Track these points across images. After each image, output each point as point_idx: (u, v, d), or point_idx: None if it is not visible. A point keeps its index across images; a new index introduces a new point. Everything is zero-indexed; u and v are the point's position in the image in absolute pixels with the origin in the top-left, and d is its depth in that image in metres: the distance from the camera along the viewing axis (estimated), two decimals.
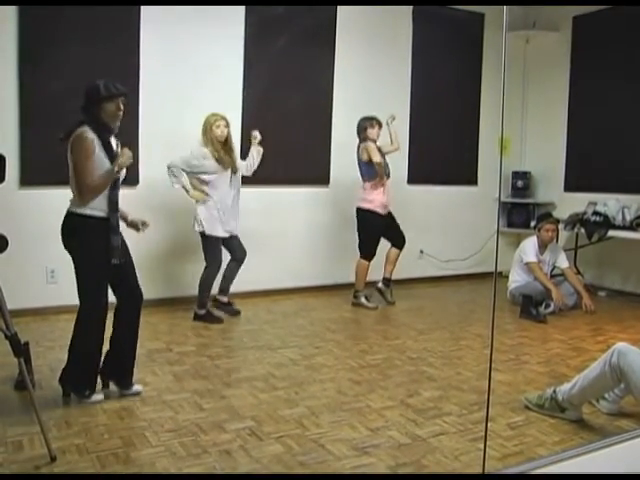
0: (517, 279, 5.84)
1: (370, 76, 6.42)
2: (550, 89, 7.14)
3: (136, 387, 3.47)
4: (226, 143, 4.93)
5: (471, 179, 7.20)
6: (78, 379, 3.32)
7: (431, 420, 3.21)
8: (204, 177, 4.88)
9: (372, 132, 5.53)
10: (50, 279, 5.11)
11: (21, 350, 2.69)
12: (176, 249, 5.53)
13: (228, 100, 5.68)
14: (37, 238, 5.01)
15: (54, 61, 4.89)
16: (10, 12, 4.76)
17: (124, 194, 5.23)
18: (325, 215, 6.31)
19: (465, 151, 7.12)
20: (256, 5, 5.68)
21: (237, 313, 5.25)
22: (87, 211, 3.21)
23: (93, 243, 3.22)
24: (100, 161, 3.17)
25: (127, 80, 5.17)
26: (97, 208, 3.23)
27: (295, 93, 5.98)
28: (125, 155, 3.24)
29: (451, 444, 2.93)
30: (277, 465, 2.69)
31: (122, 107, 3.22)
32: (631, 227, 6.04)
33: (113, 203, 3.26)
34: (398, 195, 5.96)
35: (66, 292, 5.09)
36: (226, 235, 4.99)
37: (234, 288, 5.35)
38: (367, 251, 5.63)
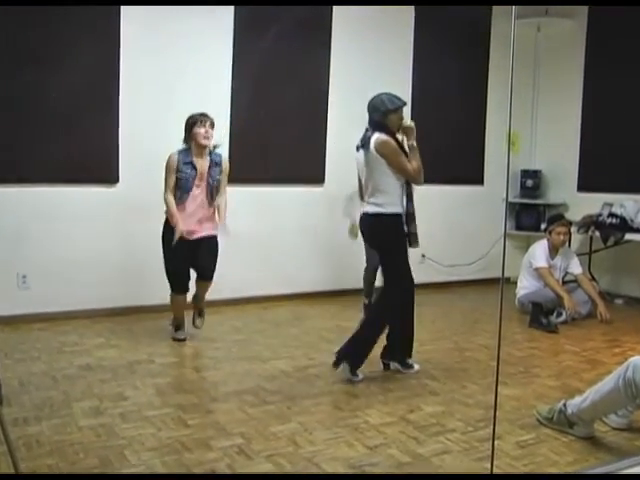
0: (526, 285, 5.85)
1: (369, 68, 6.43)
2: (563, 81, 7.16)
3: (416, 366, 4.17)
4: None
5: (477, 178, 7.22)
6: (356, 357, 4.00)
7: (434, 437, 3.20)
8: None
9: None
10: (22, 285, 5.09)
11: None
12: (157, 251, 5.49)
13: (216, 94, 5.68)
14: (8, 241, 4.99)
15: (24, 52, 4.88)
16: None
17: (101, 192, 5.31)
18: (320, 216, 6.30)
19: (470, 148, 7.14)
20: (249, 5, 5.69)
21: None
22: (388, 209, 3.95)
23: (397, 235, 4.01)
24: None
25: (105, 73, 5.22)
26: (394, 204, 3.96)
27: (288, 87, 5.99)
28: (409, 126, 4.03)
29: (455, 463, 2.93)
30: None
31: (403, 116, 4.02)
32: None
33: (407, 195, 4.00)
34: None
35: (39, 299, 5.13)
36: None
37: (220, 295, 5.35)
38: None
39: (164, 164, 4.52)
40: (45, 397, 3.56)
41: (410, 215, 4.01)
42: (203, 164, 4.58)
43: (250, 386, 3.86)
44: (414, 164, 3.93)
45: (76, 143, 5.13)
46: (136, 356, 4.37)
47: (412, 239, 4.03)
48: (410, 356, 4.21)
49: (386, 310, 4.09)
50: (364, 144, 4.01)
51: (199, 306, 4.91)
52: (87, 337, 4.78)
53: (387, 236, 4.04)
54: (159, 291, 5.45)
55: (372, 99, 4.04)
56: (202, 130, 4.50)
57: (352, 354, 4.00)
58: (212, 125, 4.56)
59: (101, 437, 3.09)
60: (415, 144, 3.96)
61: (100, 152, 5.27)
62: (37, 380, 3.84)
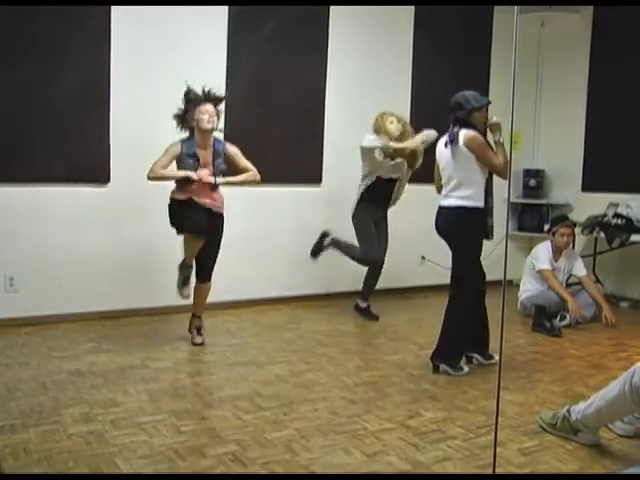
0: (529, 288, 5.87)
1: (367, 66, 6.46)
2: (568, 78, 7.18)
3: (496, 357, 4.38)
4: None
5: None
6: (452, 354, 4.32)
7: (434, 444, 3.21)
8: None
9: None
10: (9, 287, 5.08)
11: None
12: (150, 252, 5.51)
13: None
14: None
15: (14, 51, 4.88)
16: None
17: (92, 192, 5.31)
18: (317, 217, 6.30)
19: None
20: (246, 5, 5.70)
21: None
22: (471, 203, 4.21)
23: (475, 231, 4.28)
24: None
25: (96, 72, 5.21)
26: (477, 199, 4.22)
27: (285, 86, 6.00)
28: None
29: (456, 471, 2.93)
30: None
31: (487, 114, 4.27)
32: None
33: (487, 190, 4.26)
34: None
35: (27, 302, 5.12)
36: None
37: (214, 297, 5.35)
38: None
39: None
40: (33, 403, 3.56)
41: (490, 210, 4.29)
42: (207, 156, 4.46)
43: (245, 391, 3.86)
44: (501, 159, 4.16)
45: (66, 142, 5.13)
46: (128, 361, 4.36)
47: (489, 231, 4.32)
48: (488, 347, 4.46)
49: (465, 309, 4.30)
50: (452, 140, 4.24)
51: (197, 315, 4.85)
52: (77, 341, 4.78)
53: (465, 231, 4.26)
54: (152, 293, 5.49)
55: (456, 97, 4.27)
56: (205, 116, 4.37)
57: (447, 354, 4.32)
58: (217, 101, 4.42)
59: (91, 445, 3.08)
60: (502, 140, 4.20)
61: (91, 151, 5.26)
62: (25, 386, 3.83)
